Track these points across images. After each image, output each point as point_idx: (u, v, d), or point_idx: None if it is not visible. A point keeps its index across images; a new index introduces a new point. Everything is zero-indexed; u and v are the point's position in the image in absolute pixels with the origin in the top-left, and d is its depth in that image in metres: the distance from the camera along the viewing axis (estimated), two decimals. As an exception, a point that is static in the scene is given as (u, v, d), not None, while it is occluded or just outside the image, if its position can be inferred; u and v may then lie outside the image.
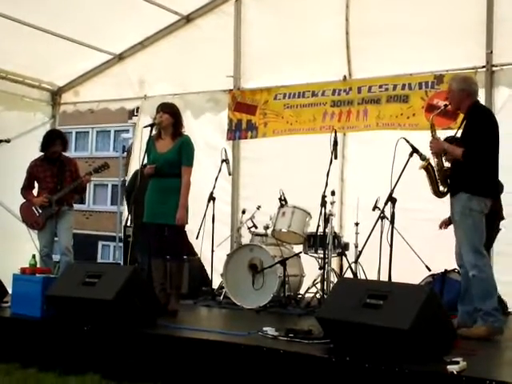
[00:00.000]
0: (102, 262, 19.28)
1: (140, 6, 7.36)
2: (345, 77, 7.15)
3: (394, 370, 3.50)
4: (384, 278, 5.42)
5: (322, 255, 6.12)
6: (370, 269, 5.97)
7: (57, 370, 4.44)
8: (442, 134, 5.14)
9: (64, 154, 6.67)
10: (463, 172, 4.65)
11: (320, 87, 7.22)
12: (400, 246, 5.57)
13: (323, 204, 5.99)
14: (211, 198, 6.96)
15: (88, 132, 30.39)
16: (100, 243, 28.44)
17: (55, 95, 8.77)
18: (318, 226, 5.95)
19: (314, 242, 6.31)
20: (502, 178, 4.81)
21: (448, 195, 4.87)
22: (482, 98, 6.08)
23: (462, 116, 4.98)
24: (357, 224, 6.46)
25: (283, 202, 6.53)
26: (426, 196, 5.07)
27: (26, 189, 6.57)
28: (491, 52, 6.33)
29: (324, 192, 5.94)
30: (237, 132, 7.69)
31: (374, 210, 6.00)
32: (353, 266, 6.23)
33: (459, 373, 3.38)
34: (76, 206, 6.90)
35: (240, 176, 7.91)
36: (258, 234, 6.68)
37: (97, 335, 4.57)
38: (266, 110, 7.51)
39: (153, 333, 4.50)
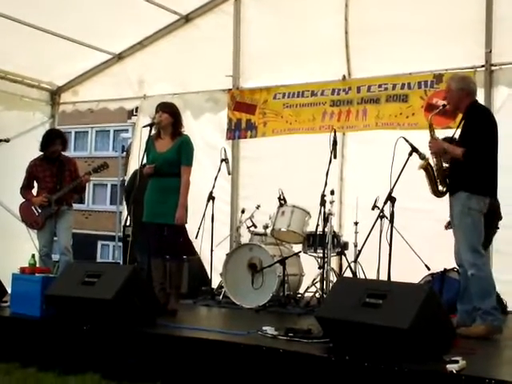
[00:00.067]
0: (101, 262, 19.27)
1: (139, 5, 7.36)
2: (344, 76, 7.15)
3: (393, 369, 3.50)
4: (383, 277, 5.42)
5: (321, 254, 6.12)
6: (369, 268, 5.97)
7: (56, 369, 4.43)
8: (441, 134, 5.14)
9: (63, 153, 6.67)
10: (462, 171, 4.65)
11: (319, 87, 7.22)
12: (399, 245, 5.57)
13: (322, 203, 5.99)
14: (210, 198, 6.96)
15: (87, 132, 30.38)
16: (99, 243, 28.44)
17: (54, 95, 8.77)
18: (318, 225, 5.96)
19: (314, 241, 6.31)
20: (501, 177, 4.81)
21: (447, 195, 4.88)
22: (481, 97, 6.09)
23: (461, 115, 4.98)
24: (356, 223, 6.46)
25: (282, 202, 6.54)
26: (426, 195, 5.07)
27: (26, 188, 6.57)
28: (490, 51, 6.33)
29: (323, 191, 5.94)
30: (236, 131, 7.69)
31: (373, 209, 6.01)
32: (352, 265, 6.24)
33: (458, 372, 3.38)
34: (75, 206, 6.90)
35: (239, 175, 7.91)
36: (257, 234, 6.68)
37: (96, 335, 4.57)
38: (265, 109, 7.51)
39: (152, 332, 4.50)
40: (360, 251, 5.91)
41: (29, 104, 8.44)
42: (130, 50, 8.34)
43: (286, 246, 6.66)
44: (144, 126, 5.72)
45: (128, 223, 6.94)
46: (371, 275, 5.80)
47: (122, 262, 7.93)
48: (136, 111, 9.43)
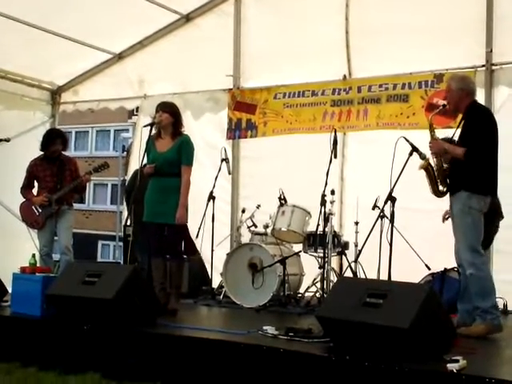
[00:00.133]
0: (101, 262, 19.27)
1: (139, 5, 7.36)
2: (345, 76, 7.15)
3: (393, 369, 3.50)
4: (384, 276, 5.42)
5: (321, 254, 6.12)
6: (369, 268, 5.97)
7: (57, 369, 4.44)
8: (442, 133, 5.14)
9: (64, 153, 6.68)
10: (463, 171, 4.65)
11: (320, 87, 7.22)
12: (400, 244, 5.58)
13: (323, 203, 5.99)
14: (211, 197, 6.96)
15: (88, 131, 30.39)
16: (100, 242, 28.46)
17: (55, 94, 8.78)
18: (318, 225, 5.96)
19: (314, 241, 6.31)
20: (501, 177, 4.81)
21: (447, 195, 4.88)
22: (481, 97, 6.10)
23: (461, 115, 4.98)
24: (356, 223, 6.46)
25: (283, 201, 6.54)
26: (426, 195, 5.07)
27: (26, 188, 6.57)
28: (491, 51, 6.33)
29: (324, 191, 5.94)
30: (236, 131, 7.69)
31: (373, 209, 6.01)
32: (352, 265, 6.23)
33: (459, 371, 3.38)
34: (76, 206, 6.90)
35: (240, 175, 7.91)
36: (257, 233, 6.68)
37: (97, 334, 4.57)
38: (265, 109, 7.51)
39: (153, 332, 4.50)
40: (360, 251, 5.91)
41: (29, 104, 8.44)
42: (131, 50, 8.34)
43: (286, 245, 6.66)
44: (144, 126, 5.72)
45: (128, 223, 6.94)
46: (372, 275, 5.80)
47: (122, 262, 7.94)
48: (136, 111, 9.45)
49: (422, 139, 5.12)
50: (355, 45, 7.07)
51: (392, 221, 5.34)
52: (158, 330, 4.57)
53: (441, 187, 4.87)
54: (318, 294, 6.21)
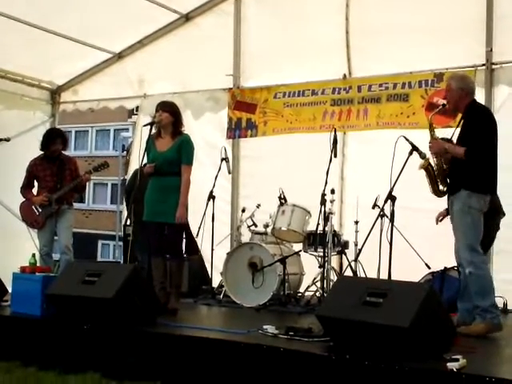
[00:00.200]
0: (101, 261, 19.28)
1: (139, 4, 7.37)
2: (345, 75, 7.15)
3: (393, 368, 3.50)
4: (384, 276, 5.42)
5: (321, 253, 6.12)
6: (369, 267, 5.98)
7: (57, 368, 4.44)
8: (442, 133, 5.13)
9: (64, 152, 6.68)
10: (463, 170, 4.65)
11: (320, 86, 7.22)
12: (400, 244, 5.58)
13: (323, 202, 5.99)
14: (211, 197, 6.95)
15: (87, 131, 30.39)
16: (100, 242, 28.46)
17: (55, 94, 8.78)
18: (318, 224, 5.96)
19: (314, 240, 6.31)
20: (501, 176, 4.82)
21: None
22: (481, 96, 6.11)
23: (460, 114, 4.98)
24: (356, 222, 6.46)
25: (283, 201, 6.53)
26: (426, 194, 5.07)
27: (26, 188, 6.57)
28: (491, 50, 6.33)
29: (324, 190, 5.94)
30: (236, 131, 7.69)
31: (373, 208, 6.01)
32: (352, 264, 6.23)
33: (459, 370, 3.39)
34: (76, 205, 6.90)
35: (240, 175, 7.91)
36: (257, 233, 6.68)
37: (97, 334, 4.57)
38: (265, 108, 7.51)
39: (153, 331, 4.50)
40: (360, 250, 5.91)
41: (29, 103, 8.45)
42: (131, 49, 8.34)
43: (286, 245, 6.66)
44: (144, 125, 5.72)
45: (128, 222, 6.94)
46: (372, 274, 5.80)
47: (122, 261, 7.93)
48: (136, 110, 9.44)
49: (422, 139, 5.12)
50: (355, 44, 7.07)
51: (392, 220, 5.34)
52: (158, 330, 4.57)
53: (441, 187, 4.87)
54: (318, 294, 6.20)
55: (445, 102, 4.91)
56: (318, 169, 6.15)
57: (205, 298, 6.67)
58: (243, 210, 6.91)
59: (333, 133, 6.02)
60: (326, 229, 6.12)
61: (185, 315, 5.41)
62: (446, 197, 4.93)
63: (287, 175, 7.19)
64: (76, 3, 7.15)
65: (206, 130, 7.89)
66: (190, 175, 5.46)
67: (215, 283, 6.96)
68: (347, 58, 7.15)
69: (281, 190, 6.56)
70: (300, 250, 6.53)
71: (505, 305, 5.91)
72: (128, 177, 7.83)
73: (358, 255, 6.13)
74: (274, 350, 3.93)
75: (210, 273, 7.05)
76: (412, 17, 6.63)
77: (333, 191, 6.24)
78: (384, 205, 5.55)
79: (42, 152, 6.57)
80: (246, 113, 7.63)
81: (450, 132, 5.08)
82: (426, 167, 4.86)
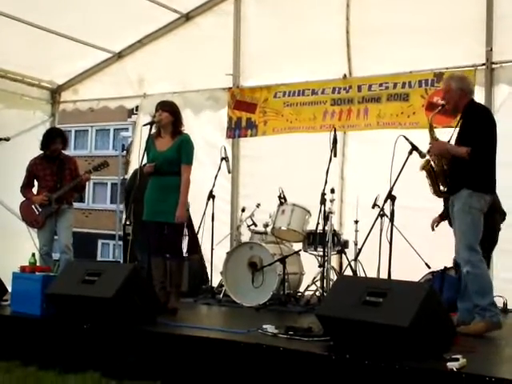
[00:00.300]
0: (101, 260, 19.28)
1: (139, 4, 7.37)
2: (345, 75, 7.15)
3: (393, 368, 3.50)
4: (383, 275, 5.42)
5: (321, 253, 6.12)
6: (369, 266, 5.98)
7: (57, 368, 4.44)
8: (442, 132, 5.13)
9: (63, 152, 6.68)
10: (464, 170, 4.64)
11: (320, 85, 7.22)
12: (399, 243, 5.58)
13: (323, 202, 5.99)
14: (211, 196, 6.95)
15: (87, 130, 30.40)
16: (100, 241, 28.47)
17: (55, 93, 8.78)
18: (318, 223, 5.96)
19: (314, 239, 6.32)
20: (501, 175, 4.82)
21: (447, 194, 4.88)
22: (481, 95, 6.13)
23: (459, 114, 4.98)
24: (356, 222, 6.47)
25: (283, 200, 6.53)
26: (426, 194, 5.06)
27: (26, 187, 6.57)
28: (491, 49, 6.33)
29: (324, 190, 5.94)
30: (236, 130, 7.69)
31: (373, 207, 6.02)
32: (352, 263, 6.23)
33: (459, 370, 3.38)
34: (76, 205, 6.91)
35: (239, 174, 7.91)
36: (257, 232, 6.67)
37: (96, 333, 4.57)
38: (265, 108, 7.51)
39: (153, 331, 4.50)
40: (360, 249, 5.91)
41: (29, 103, 8.44)
42: (130, 49, 8.34)
43: (286, 244, 6.66)
44: (144, 125, 5.72)
45: (127, 222, 6.94)
46: (371, 273, 5.81)
47: (122, 261, 7.93)
48: (136, 110, 9.44)
49: (422, 138, 5.12)
50: (356, 44, 7.06)
51: (392, 219, 5.34)
52: (158, 329, 4.57)
53: (442, 187, 4.86)
54: (317, 293, 6.20)
55: (443, 102, 4.91)
56: (317, 168, 6.15)
57: (205, 297, 6.67)
58: (243, 210, 6.91)
59: (332, 132, 6.03)
60: (326, 228, 6.12)
61: (185, 315, 5.41)
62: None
63: (287, 175, 7.18)
64: (76, 3, 7.15)
65: (205, 130, 7.89)
66: (189, 175, 5.46)
67: (215, 283, 6.95)
68: (347, 58, 7.14)
69: (281, 190, 6.56)
70: (300, 250, 6.53)
71: (504, 304, 5.91)
72: (128, 176, 7.82)
73: (357, 255, 6.13)
74: (274, 349, 3.93)
75: (209, 272, 7.05)
76: (412, 17, 6.63)
77: (333, 191, 6.24)
78: (384, 204, 5.55)
79: (41, 151, 6.57)
80: (245, 112, 7.62)
81: (450, 132, 5.08)
82: (427, 168, 4.85)
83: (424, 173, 4.88)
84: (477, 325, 4.58)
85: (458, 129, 4.85)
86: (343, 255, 6.41)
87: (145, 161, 5.60)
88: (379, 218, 5.66)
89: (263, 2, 7.59)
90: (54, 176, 6.49)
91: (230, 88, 7.76)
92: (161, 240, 5.48)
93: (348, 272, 6.25)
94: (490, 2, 6.31)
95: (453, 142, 4.82)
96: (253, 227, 6.73)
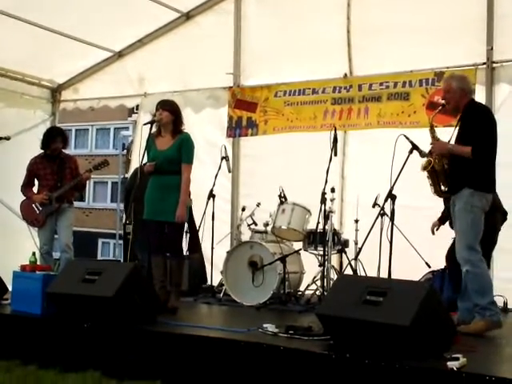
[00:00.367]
0: (102, 259, 19.29)
1: (140, 3, 7.37)
2: (345, 74, 7.14)
3: (394, 367, 3.50)
4: (384, 274, 5.42)
5: (321, 252, 6.12)
6: (369, 266, 5.98)
7: (57, 367, 4.44)
8: (443, 131, 5.12)
9: (64, 151, 6.68)
10: (465, 169, 4.64)
11: (320, 85, 7.21)
12: (400, 242, 5.58)
13: (323, 201, 5.99)
14: (211, 196, 6.96)
15: (88, 129, 30.39)
16: (100, 240, 28.46)
17: (55, 92, 8.78)
18: (318, 222, 5.96)
19: (314, 238, 6.31)
20: (502, 175, 4.82)
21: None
22: (482, 94, 6.13)
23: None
24: (357, 221, 6.46)
25: (283, 199, 6.53)
26: (426, 193, 5.06)
27: (26, 186, 6.57)
28: (492, 48, 6.33)
29: (324, 189, 5.94)
30: (237, 129, 7.69)
31: (373, 206, 6.02)
32: (353, 262, 6.23)
33: (459, 369, 3.39)
34: (76, 204, 6.91)
35: (240, 173, 7.91)
36: (257, 231, 6.67)
37: (97, 332, 4.57)
38: (266, 107, 7.50)
39: (153, 330, 4.50)
40: (360, 249, 5.91)
41: (29, 102, 8.44)
42: (131, 48, 8.34)
43: (286, 243, 6.65)
44: (144, 124, 5.71)
45: (126, 221, 6.94)
46: (372, 273, 5.81)
47: (122, 260, 7.93)
48: (136, 109, 9.44)
49: (423, 138, 5.12)
50: (356, 43, 7.06)
51: (392, 219, 5.34)
52: (158, 328, 4.57)
53: (443, 187, 4.86)
54: (318, 292, 6.20)
55: (444, 102, 4.91)
56: (318, 167, 6.15)
57: (205, 296, 6.66)
58: (243, 209, 6.90)
59: (333, 131, 6.03)
60: (326, 227, 6.12)
61: (185, 314, 5.41)
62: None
63: (287, 174, 7.18)
64: (77, 2, 7.15)
65: (206, 129, 7.89)
66: (190, 174, 5.46)
67: (215, 282, 6.96)
68: (348, 57, 7.14)
69: (281, 189, 6.55)
70: (300, 249, 6.52)
71: (505, 304, 5.91)
72: (128, 175, 7.83)
73: (358, 254, 6.13)
74: (274, 348, 3.93)
75: (210, 271, 7.05)
76: (413, 16, 6.63)
77: (333, 190, 6.23)
78: (384, 203, 5.55)
79: (42, 150, 6.57)
80: (246, 111, 7.62)
81: (451, 131, 5.08)
82: (429, 169, 4.84)
83: (425, 173, 4.88)
84: (477, 324, 4.58)
85: (457, 128, 4.85)
86: (343, 254, 6.40)
87: (145, 160, 5.60)
88: (379, 217, 5.66)
89: (264, 1, 7.59)
90: (55, 175, 6.49)
91: (231, 87, 7.76)
92: (161, 239, 5.48)
93: (348, 271, 6.24)
94: (491, 1, 6.31)
95: (453, 141, 4.82)
96: (253, 226, 6.73)
